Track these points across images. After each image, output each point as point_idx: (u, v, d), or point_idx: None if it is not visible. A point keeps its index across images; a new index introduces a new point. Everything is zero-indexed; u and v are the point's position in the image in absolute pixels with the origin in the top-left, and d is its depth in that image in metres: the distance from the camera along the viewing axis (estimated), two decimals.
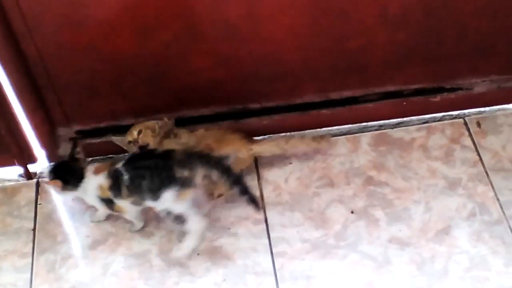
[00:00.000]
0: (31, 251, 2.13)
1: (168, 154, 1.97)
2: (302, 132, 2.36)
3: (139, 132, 2.16)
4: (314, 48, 2.17)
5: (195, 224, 2.00)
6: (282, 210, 2.17)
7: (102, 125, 2.29)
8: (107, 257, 2.10)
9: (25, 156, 2.26)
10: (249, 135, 2.29)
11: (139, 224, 2.15)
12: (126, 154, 2.19)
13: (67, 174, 2.02)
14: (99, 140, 2.30)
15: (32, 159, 2.30)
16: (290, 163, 2.29)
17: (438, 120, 2.36)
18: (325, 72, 2.25)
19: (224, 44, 2.10)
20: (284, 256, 2.07)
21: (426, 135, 2.32)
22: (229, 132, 2.22)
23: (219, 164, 1.97)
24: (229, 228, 2.14)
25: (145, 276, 2.05)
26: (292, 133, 2.35)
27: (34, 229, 2.18)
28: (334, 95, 2.33)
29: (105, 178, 2.00)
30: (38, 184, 2.29)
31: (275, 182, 2.24)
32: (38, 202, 2.25)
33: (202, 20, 2.02)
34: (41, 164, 2.33)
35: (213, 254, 2.09)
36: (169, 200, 1.96)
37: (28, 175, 2.31)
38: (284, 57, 2.18)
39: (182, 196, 1.95)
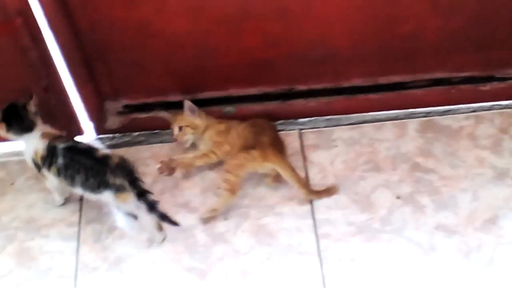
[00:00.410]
0: (78, 220, 2.16)
1: (104, 161, 1.97)
2: (347, 116, 2.36)
3: (180, 129, 2.20)
4: (364, 31, 2.16)
5: (147, 219, 2.02)
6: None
7: (149, 100, 2.30)
8: (152, 230, 2.12)
9: (73, 128, 2.28)
10: (295, 117, 2.30)
11: (59, 200, 2.17)
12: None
13: (15, 120, 2.03)
14: (146, 115, 2.31)
15: (80, 131, 2.33)
16: (336, 146, 2.29)
17: (487, 110, 2.34)
18: (374, 56, 2.24)
19: (275, 23, 2.10)
20: (328, 237, 2.07)
21: (475, 124, 2.30)
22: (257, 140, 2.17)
23: (137, 185, 1.96)
24: (274, 208, 2.15)
25: (190, 250, 2.07)
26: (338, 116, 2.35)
27: (81, 199, 2.20)
28: (383, 80, 2.32)
29: (43, 147, 2.02)
30: None
31: (321, 164, 2.24)
32: None
33: None
34: (88, 136, 2.35)
35: (257, 232, 2.10)
36: (110, 199, 1.99)
37: None
38: (333, 39, 2.18)
39: (121, 199, 1.98)
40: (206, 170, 2.25)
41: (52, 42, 2.05)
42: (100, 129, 2.32)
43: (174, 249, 2.07)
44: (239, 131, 2.20)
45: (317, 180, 2.20)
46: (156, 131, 2.35)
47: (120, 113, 2.29)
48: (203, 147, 2.23)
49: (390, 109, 2.36)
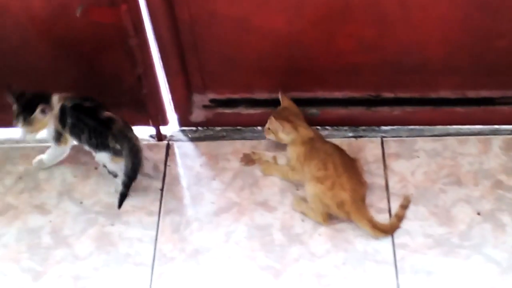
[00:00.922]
0: (158, 209, 2.20)
1: (108, 124, 2.07)
2: (431, 127, 2.33)
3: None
4: (460, 43, 2.13)
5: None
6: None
7: (235, 96, 2.32)
8: (230, 225, 2.14)
9: (159, 118, 2.32)
10: (379, 124, 2.29)
11: (49, 163, 2.28)
12: None
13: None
14: (231, 110, 2.33)
15: (165, 122, 2.36)
16: (418, 157, 2.27)
17: None
18: (466, 69, 2.21)
19: (371, 28, 2.09)
20: (405, 248, 2.06)
21: None
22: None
23: (136, 153, 2.07)
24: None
25: (266, 248, 2.08)
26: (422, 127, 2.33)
27: (162, 189, 2.24)
28: (471, 94, 2.29)
29: (58, 109, 2.11)
30: (168, 146, 2.35)
31: (401, 173, 2.23)
32: (167, 164, 2.30)
33: (354, 2, 2.02)
34: (172, 127, 2.39)
35: (334, 237, 2.10)
36: (104, 159, 2.14)
37: (159, 137, 2.36)
38: (428, 48, 2.15)
39: (115, 160, 2.13)
40: None
41: (150, 32, 2.09)
42: (184, 121, 2.36)
43: (251, 246, 2.09)
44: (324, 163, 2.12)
45: (396, 189, 2.19)
46: (238, 127, 2.37)
47: (205, 107, 2.32)
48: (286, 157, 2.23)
49: (475, 124, 2.32)
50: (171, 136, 2.39)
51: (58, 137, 2.18)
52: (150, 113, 2.29)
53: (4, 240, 2.15)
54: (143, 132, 2.38)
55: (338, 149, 2.16)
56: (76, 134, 2.13)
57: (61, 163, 2.32)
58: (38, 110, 2.08)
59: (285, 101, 2.22)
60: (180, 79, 2.23)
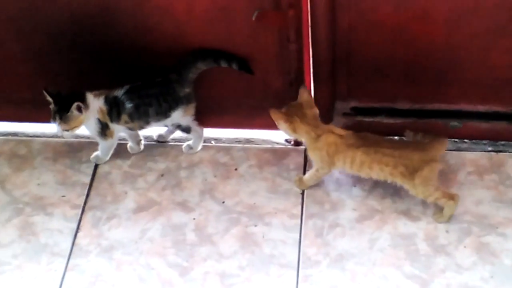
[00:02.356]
0: (299, 213, 2.22)
1: (168, 79, 2.20)
2: None
3: None
4: None
5: (198, 130, 2.35)
6: None
7: (377, 105, 2.33)
8: (373, 233, 2.15)
9: None
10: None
11: (104, 158, 2.37)
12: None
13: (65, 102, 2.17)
14: (371, 119, 2.35)
15: None
16: None
17: None
18: None
19: None
20: None
21: None
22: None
23: (219, 53, 2.17)
24: (497, 227, 2.13)
25: (412, 258, 2.09)
26: None
27: (302, 193, 2.26)
28: None
29: (103, 103, 2.20)
30: (306, 151, 2.37)
31: None
32: (306, 169, 2.33)
33: None
34: None
35: (480, 249, 2.09)
36: (178, 118, 2.26)
37: (296, 142, 2.39)
38: None
39: (187, 112, 2.26)
40: None
41: (308, 38, 2.12)
42: None
43: (395, 255, 2.10)
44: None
45: None
46: None
47: (345, 115, 2.34)
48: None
49: None
50: None
51: (103, 132, 2.26)
52: None
53: (150, 235, 2.19)
54: (279, 137, 2.41)
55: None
56: (143, 113, 2.22)
57: (200, 162, 2.36)
58: (73, 107, 2.15)
59: (303, 96, 2.12)
60: (326, 86, 2.26)
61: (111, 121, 2.24)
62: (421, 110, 2.28)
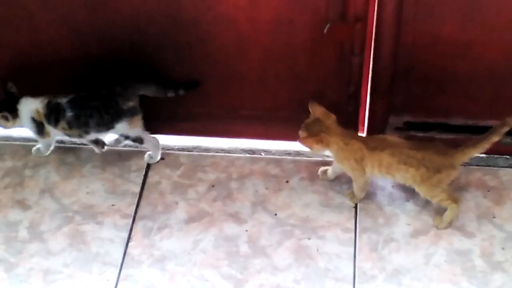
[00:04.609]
0: (353, 227, 2.21)
1: (112, 92, 2.23)
2: None
3: None
4: None
5: (151, 140, 2.37)
6: None
7: (430, 120, 2.32)
8: (428, 248, 2.14)
9: None
10: None
11: (44, 152, 2.44)
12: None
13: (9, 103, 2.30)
14: (423, 134, 2.34)
15: None
16: None
17: None
18: None
19: None
20: None
21: None
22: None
23: (155, 78, 2.24)
24: None
25: (468, 274, 2.07)
26: None
27: (355, 207, 2.26)
28: None
29: (43, 106, 2.27)
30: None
31: None
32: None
33: None
34: None
35: None
36: (123, 129, 2.29)
37: None
38: None
39: (133, 124, 2.28)
40: (480, 196, 2.26)
41: (370, 51, 2.12)
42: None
43: (452, 271, 2.08)
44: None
45: None
46: None
47: (398, 129, 2.33)
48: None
49: None
50: None
51: (40, 130, 2.32)
52: None
53: (203, 246, 2.18)
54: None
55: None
56: (82, 123, 2.27)
57: (251, 174, 2.35)
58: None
59: (316, 110, 2.13)
60: (383, 100, 2.25)
61: (48, 123, 2.29)
62: (475, 126, 2.27)
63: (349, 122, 2.29)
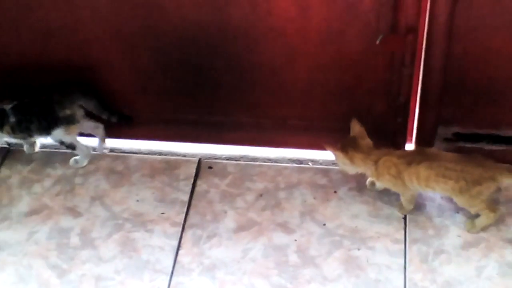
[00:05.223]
0: (403, 238, 2.20)
1: (49, 99, 2.32)
2: None
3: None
4: None
5: (83, 149, 2.45)
6: None
7: (480, 131, 2.31)
8: (479, 260, 2.12)
9: (393, 144, 2.33)
10: None
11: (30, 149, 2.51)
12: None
13: None
14: (472, 145, 2.33)
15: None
16: None
17: None
18: None
19: None
20: None
21: None
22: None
23: (96, 97, 2.35)
24: None
25: None
26: None
27: (404, 218, 2.25)
28: None
29: None
30: None
31: None
32: None
33: None
34: None
35: None
36: (59, 135, 2.36)
37: None
38: None
39: (69, 131, 2.36)
40: None
41: (420, 63, 2.12)
42: None
43: (505, 284, 2.06)
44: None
45: None
46: None
47: (447, 140, 2.32)
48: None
49: None
50: None
51: None
52: (392, 142, 2.31)
53: (252, 255, 2.19)
54: None
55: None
56: (24, 128, 2.34)
57: (299, 184, 2.36)
58: None
59: (355, 129, 2.17)
60: (432, 111, 2.25)
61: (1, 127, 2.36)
62: None
63: (398, 133, 2.30)
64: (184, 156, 2.47)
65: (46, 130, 2.35)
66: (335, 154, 2.18)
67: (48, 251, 2.23)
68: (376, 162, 2.15)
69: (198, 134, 2.42)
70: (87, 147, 2.46)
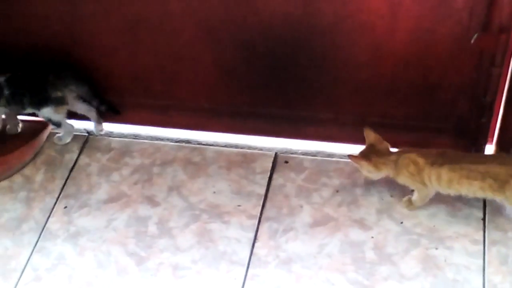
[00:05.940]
0: (481, 239, 2.18)
1: (44, 78, 2.39)
2: None
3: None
4: None
5: (68, 127, 2.53)
6: None
7: None
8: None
9: (479, 148, 2.32)
10: None
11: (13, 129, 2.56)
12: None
13: None
14: None
15: (477, 150, 2.35)
16: None
17: None
18: None
19: None
20: None
21: None
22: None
23: (88, 83, 2.44)
24: None
25: None
26: None
27: (483, 219, 2.23)
28: None
29: None
30: None
31: None
32: None
33: None
34: None
35: None
36: (48, 113, 2.43)
37: None
38: None
39: (58, 111, 2.43)
40: None
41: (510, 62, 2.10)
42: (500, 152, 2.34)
43: None
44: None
45: None
46: None
47: None
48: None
49: None
50: None
51: None
52: (473, 142, 2.28)
53: (328, 250, 2.20)
54: None
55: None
56: (18, 101, 2.40)
57: (376, 182, 2.34)
58: None
59: (370, 136, 2.23)
60: None
61: None
62: None
63: (480, 134, 2.27)
64: (261, 149, 2.49)
65: (37, 105, 2.43)
66: (359, 164, 2.23)
67: (126, 238, 2.28)
68: (395, 162, 2.18)
69: (276, 128, 2.44)
70: (72, 125, 2.55)
